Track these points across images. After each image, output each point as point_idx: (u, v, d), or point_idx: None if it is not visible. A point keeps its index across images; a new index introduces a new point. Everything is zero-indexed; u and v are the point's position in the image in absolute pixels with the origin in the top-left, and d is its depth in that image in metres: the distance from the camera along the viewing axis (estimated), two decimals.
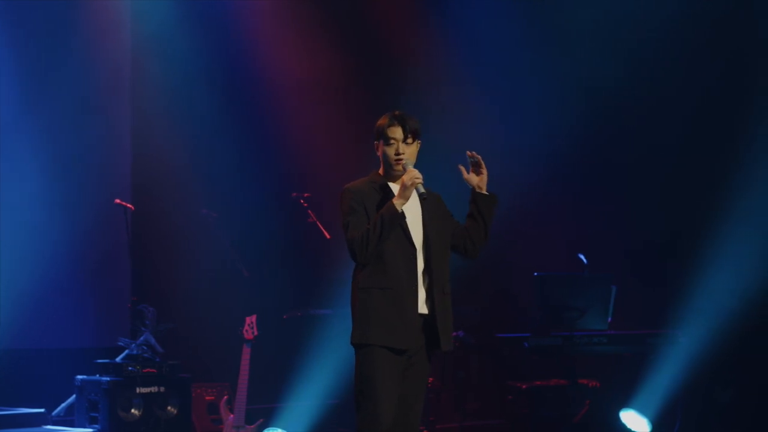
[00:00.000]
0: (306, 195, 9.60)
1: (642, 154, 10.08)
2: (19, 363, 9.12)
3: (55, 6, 9.51)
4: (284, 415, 8.91)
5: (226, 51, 10.31)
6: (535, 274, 8.67)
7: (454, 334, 8.68)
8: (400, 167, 5.32)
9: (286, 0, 10.55)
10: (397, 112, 5.38)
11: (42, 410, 8.46)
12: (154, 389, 8.40)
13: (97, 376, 8.38)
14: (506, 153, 10.09)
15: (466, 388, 9.98)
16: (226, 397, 8.67)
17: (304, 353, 9.17)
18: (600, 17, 10.02)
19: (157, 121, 10.00)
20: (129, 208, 9.02)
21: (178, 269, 9.89)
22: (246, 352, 8.25)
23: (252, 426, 8.36)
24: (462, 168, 5.44)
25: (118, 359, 8.49)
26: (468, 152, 5.40)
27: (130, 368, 8.35)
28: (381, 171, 5.42)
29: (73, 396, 8.54)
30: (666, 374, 8.72)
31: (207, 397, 9.12)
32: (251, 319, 8.29)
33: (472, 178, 5.43)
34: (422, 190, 5.23)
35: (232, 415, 8.34)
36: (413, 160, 5.37)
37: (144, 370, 8.40)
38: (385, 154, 5.35)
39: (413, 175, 5.23)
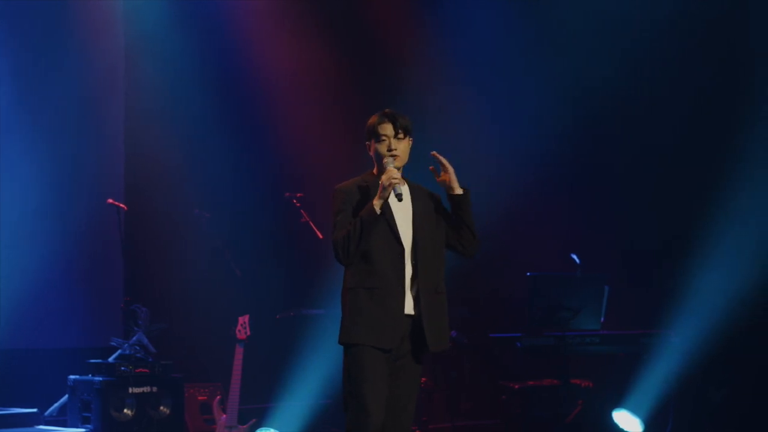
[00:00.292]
0: (299, 195, 9.58)
1: (635, 154, 10.07)
2: (11, 363, 9.11)
3: (48, 6, 9.50)
4: (277, 415, 8.89)
5: (219, 51, 10.31)
6: (528, 274, 8.65)
7: None
8: (391, 160, 5.26)
9: (279, 0, 10.55)
10: (387, 110, 5.34)
11: (35, 410, 8.45)
12: (146, 389, 8.39)
13: (90, 376, 8.37)
14: (500, 153, 10.12)
15: (458, 388, 9.97)
16: (218, 397, 8.66)
17: (297, 353, 9.15)
18: (594, 19, 10.02)
19: (150, 122, 10.01)
20: (122, 208, 9.01)
21: (170, 269, 9.89)
22: (239, 352, 8.25)
23: (244, 426, 8.35)
24: (433, 170, 5.38)
25: (110, 359, 8.49)
26: (432, 152, 5.34)
27: (122, 368, 8.34)
28: (374, 171, 5.38)
29: (66, 396, 8.52)
30: (659, 374, 8.71)
31: (200, 397, 9.11)
32: (244, 319, 8.28)
33: (443, 180, 5.37)
34: (399, 190, 5.17)
35: (224, 415, 8.33)
36: (405, 158, 5.34)
37: (137, 370, 8.38)
38: (377, 152, 5.31)
39: (391, 175, 5.18)
